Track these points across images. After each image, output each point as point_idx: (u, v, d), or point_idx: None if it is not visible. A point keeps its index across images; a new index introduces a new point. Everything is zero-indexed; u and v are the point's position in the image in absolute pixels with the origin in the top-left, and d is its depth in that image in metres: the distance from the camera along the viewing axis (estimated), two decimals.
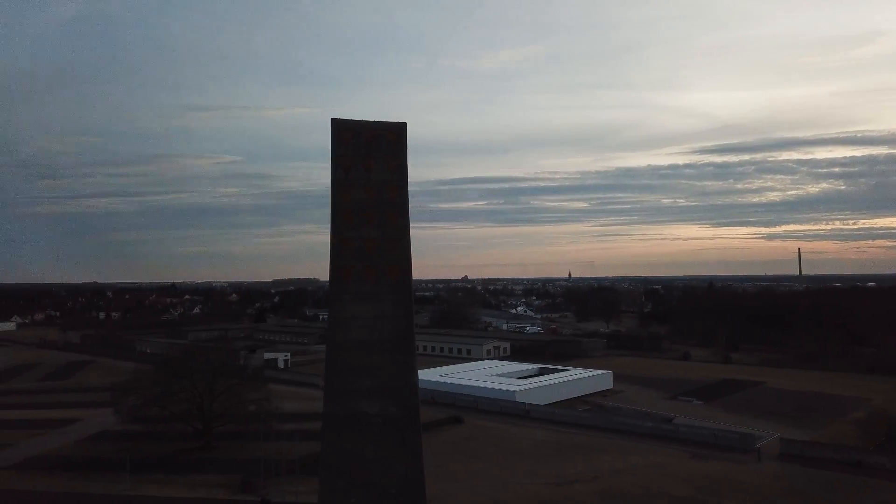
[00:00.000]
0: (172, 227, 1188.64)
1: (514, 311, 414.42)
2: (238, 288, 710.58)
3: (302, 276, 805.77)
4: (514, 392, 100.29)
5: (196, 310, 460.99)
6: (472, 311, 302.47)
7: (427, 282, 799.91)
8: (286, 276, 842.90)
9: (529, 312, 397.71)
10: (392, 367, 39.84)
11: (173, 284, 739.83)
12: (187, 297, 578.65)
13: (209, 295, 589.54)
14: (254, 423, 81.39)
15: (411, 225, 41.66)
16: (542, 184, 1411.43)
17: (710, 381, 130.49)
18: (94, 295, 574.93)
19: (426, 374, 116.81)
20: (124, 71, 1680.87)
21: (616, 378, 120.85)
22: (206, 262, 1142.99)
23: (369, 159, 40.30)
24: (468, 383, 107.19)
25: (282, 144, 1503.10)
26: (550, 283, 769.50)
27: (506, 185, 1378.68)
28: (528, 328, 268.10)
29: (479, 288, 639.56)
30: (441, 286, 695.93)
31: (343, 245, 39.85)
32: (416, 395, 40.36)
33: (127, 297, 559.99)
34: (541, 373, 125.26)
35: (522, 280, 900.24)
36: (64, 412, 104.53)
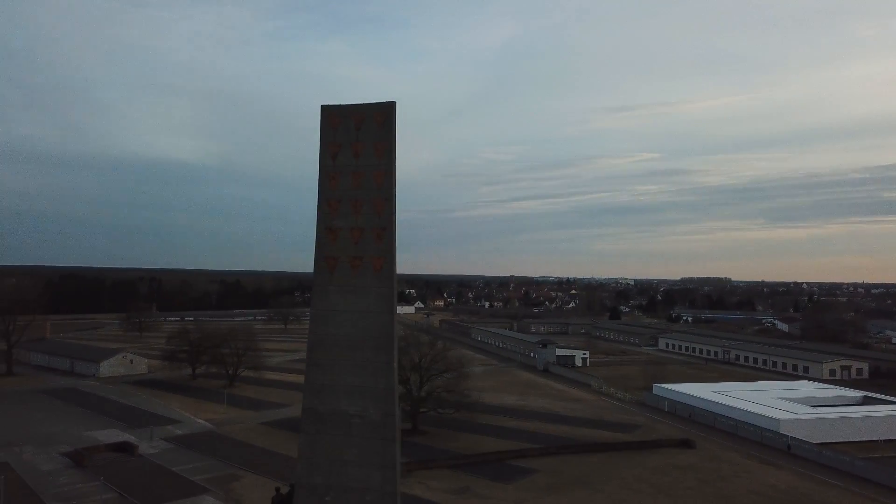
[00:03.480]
0: (593, 225, 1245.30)
1: None
2: (641, 285, 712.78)
3: (714, 275, 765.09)
4: (778, 421, 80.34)
5: (572, 304, 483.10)
6: (857, 320, 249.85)
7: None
8: (698, 275, 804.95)
9: None
10: (373, 366, 37.41)
11: (568, 279, 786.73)
12: (574, 290, 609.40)
13: (592, 290, 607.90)
14: (455, 411, 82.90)
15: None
16: None
17: None
18: (484, 286, 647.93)
19: (692, 389, 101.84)
20: (551, 82, 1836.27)
21: None
22: (620, 260, 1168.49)
23: (357, 144, 38.33)
24: (725, 402, 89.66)
25: (700, 138, 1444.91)
26: None
27: None
28: None
29: None
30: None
31: (329, 235, 38.69)
32: (395, 399, 37.11)
33: (524, 289, 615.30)
34: (863, 402, 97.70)
35: None
36: None
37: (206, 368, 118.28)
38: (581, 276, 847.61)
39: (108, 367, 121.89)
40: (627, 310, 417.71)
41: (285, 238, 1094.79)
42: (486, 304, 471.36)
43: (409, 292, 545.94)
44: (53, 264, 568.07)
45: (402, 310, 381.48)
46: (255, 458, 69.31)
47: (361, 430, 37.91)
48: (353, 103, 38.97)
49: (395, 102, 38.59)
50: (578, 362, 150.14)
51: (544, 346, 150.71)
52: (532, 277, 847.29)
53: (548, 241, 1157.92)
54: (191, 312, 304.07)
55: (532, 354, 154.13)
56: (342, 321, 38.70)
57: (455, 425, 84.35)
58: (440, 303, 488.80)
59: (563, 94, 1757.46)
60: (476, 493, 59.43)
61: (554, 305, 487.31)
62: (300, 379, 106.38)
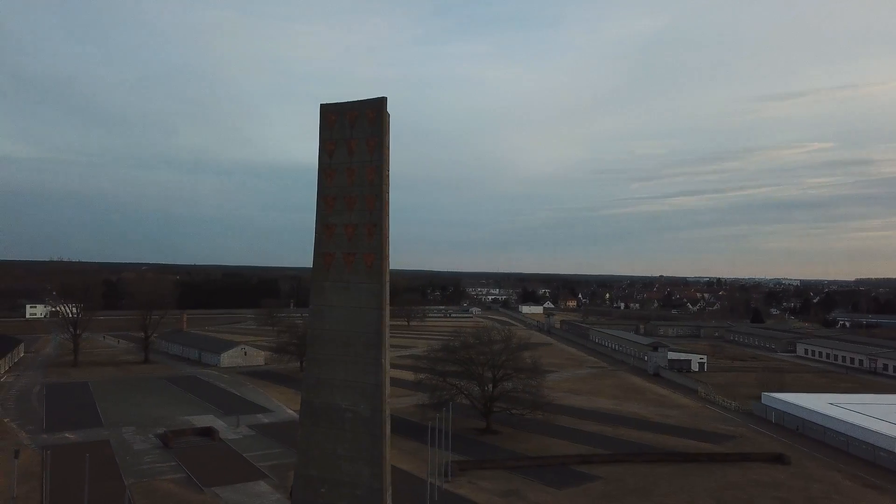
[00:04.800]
0: (756, 222, 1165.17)
1: None
2: (806, 286, 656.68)
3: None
4: (893, 439, 70.28)
5: (716, 306, 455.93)
6: None
7: None
8: (877, 276, 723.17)
9: None
10: (364, 362, 38.35)
11: (719, 280, 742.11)
12: (722, 292, 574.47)
13: (743, 291, 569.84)
14: (528, 412, 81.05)
15: None
16: None
17: None
18: (599, 286, 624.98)
19: (805, 399, 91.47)
20: (705, 71, 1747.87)
21: None
22: (785, 259, 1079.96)
23: (351, 141, 39.34)
24: (838, 415, 79.36)
25: (886, 124, 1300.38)
26: None
27: None
28: None
29: None
30: None
31: (325, 232, 39.90)
32: (384, 396, 37.67)
33: (667, 290, 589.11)
34: None
35: None
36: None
37: None
38: (738, 277, 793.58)
39: (227, 358, 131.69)
40: (776, 312, 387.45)
41: (424, 237, 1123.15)
42: (622, 306, 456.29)
43: (544, 292, 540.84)
44: (220, 264, 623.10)
45: (529, 310, 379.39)
46: None
47: (353, 426, 38.30)
48: (349, 101, 39.40)
49: (386, 98, 38.51)
50: (695, 367, 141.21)
51: (655, 348, 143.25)
52: (684, 278, 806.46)
53: (703, 238, 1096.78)
54: None
55: (644, 357, 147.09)
56: (336, 317, 39.30)
57: (530, 427, 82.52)
58: (572, 303, 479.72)
59: (720, 83, 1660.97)
60: (523, 496, 57.79)
61: (697, 307, 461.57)
62: (401, 375, 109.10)
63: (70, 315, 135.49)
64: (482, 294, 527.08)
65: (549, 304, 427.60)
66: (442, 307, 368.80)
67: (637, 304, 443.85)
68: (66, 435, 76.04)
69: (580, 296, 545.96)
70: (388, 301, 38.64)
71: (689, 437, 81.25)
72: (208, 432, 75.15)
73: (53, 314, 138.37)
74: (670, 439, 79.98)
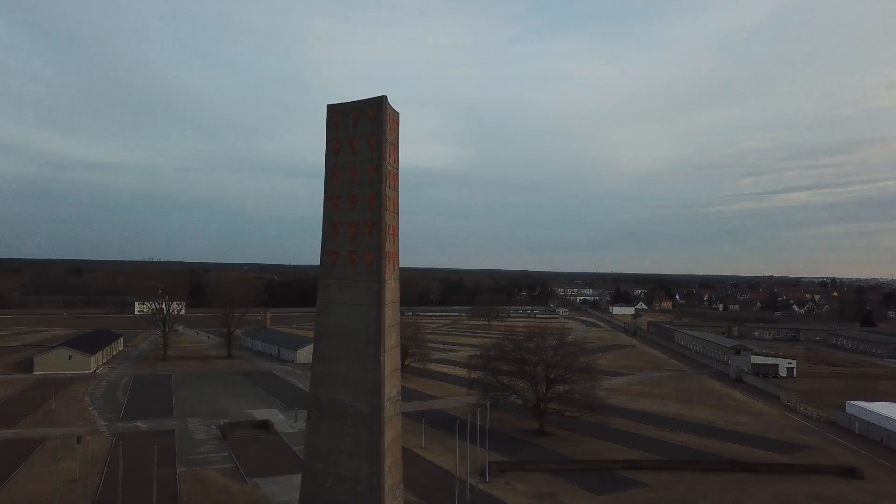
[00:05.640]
0: (882, 218, 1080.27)
1: None
2: None
3: None
4: None
5: (826, 307, 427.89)
6: None
7: None
8: None
9: None
10: (363, 359, 39.17)
11: (834, 280, 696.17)
12: (835, 293, 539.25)
13: (858, 293, 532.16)
14: (582, 413, 79.03)
15: None
16: None
17: None
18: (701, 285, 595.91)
19: (892, 409, 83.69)
20: (817, 59, 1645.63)
21: None
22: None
23: (355, 140, 40.17)
24: None
25: None
26: None
27: None
28: None
29: None
30: None
31: (331, 230, 40.87)
32: (383, 393, 38.01)
33: (774, 290, 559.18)
34: None
35: None
36: None
37: None
38: (859, 277, 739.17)
39: (303, 354, 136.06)
40: (893, 316, 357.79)
41: (517, 237, 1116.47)
42: (720, 307, 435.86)
43: (639, 293, 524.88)
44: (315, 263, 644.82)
45: (619, 311, 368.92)
46: None
47: (354, 421, 38.71)
48: (353, 100, 39.82)
49: (385, 96, 38.66)
50: (782, 372, 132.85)
51: (738, 352, 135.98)
52: (796, 278, 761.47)
53: (820, 236, 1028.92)
54: (409, 307, 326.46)
55: (727, 361, 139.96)
56: (339, 314, 39.85)
57: (586, 430, 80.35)
58: (667, 304, 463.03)
59: (835, 71, 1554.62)
60: (559, 500, 56.35)
61: (805, 308, 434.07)
62: (462, 373, 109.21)
63: (161, 312, 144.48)
64: (571, 294, 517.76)
65: (641, 306, 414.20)
66: (529, 307, 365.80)
67: (737, 306, 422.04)
68: (139, 424, 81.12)
69: (677, 297, 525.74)
70: (389, 299, 38.73)
71: (755, 446, 76.61)
72: (264, 425, 78.02)
73: (157, 311, 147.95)
74: (734, 447, 75.69)
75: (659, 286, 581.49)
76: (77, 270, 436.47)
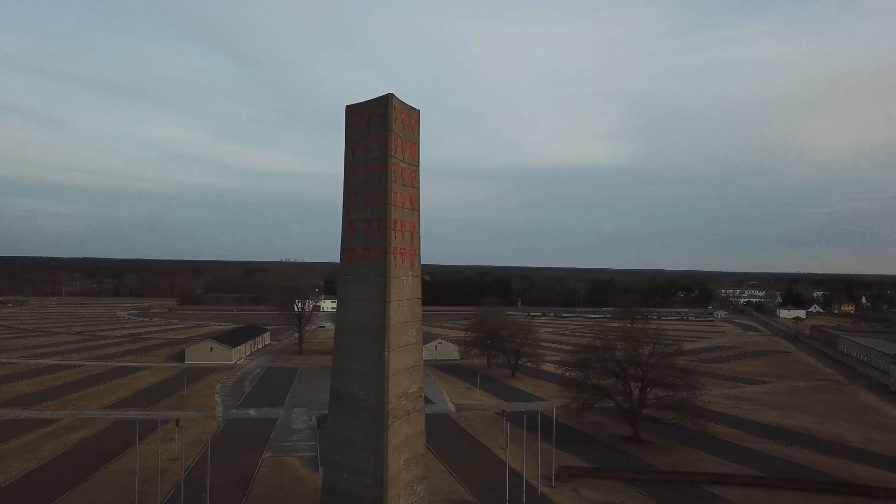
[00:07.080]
0: None
1: None
2: None
3: None
4: None
5: None
6: None
7: None
8: None
9: None
10: (372, 353, 40.44)
11: None
12: None
13: None
14: (678, 419, 74.07)
15: None
16: None
17: None
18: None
19: None
20: None
21: None
22: None
23: (367, 139, 41.60)
24: None
25: None
26: None
27: None
28: None
29: None
30: None
31: (349, 227, 42.67)
32: (387, 388, 38.69)
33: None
34: None
35: None
36: None
37: (494, 359, 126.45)
38: None
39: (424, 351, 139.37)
40: None
41: (685, 234, 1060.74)
42: None
43: (817, 294, 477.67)
44: (474, 264, 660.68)
45: (788, 314, 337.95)
46: (448, 443, 73.27)
47: (365, 414, 39.51)
48: (369, 99, 40.54)
49: (391, 94, 39.07)
50: None
51: None
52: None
53: None
54: (551, 308, 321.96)
55: (887, 371, 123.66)
56: (354, 309, 40.87)
57: (685, 439, 75.18)
58: (849, 307, 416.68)
59: None
60: None
61: None
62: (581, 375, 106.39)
63: (297, 309, 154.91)
64: (735, 297, 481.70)
65: (815, 308, 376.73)
66: (685, 309, 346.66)
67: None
68: (250, 412, 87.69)
69: (863, 299, 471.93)
70: (397, 297, 39.03)
71: (885, 468, 67.23)
72: None
73: (314, 308, 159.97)
74: (856, 467, 67.05)
75: (843, 288, 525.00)
76: (250, 271, 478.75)
